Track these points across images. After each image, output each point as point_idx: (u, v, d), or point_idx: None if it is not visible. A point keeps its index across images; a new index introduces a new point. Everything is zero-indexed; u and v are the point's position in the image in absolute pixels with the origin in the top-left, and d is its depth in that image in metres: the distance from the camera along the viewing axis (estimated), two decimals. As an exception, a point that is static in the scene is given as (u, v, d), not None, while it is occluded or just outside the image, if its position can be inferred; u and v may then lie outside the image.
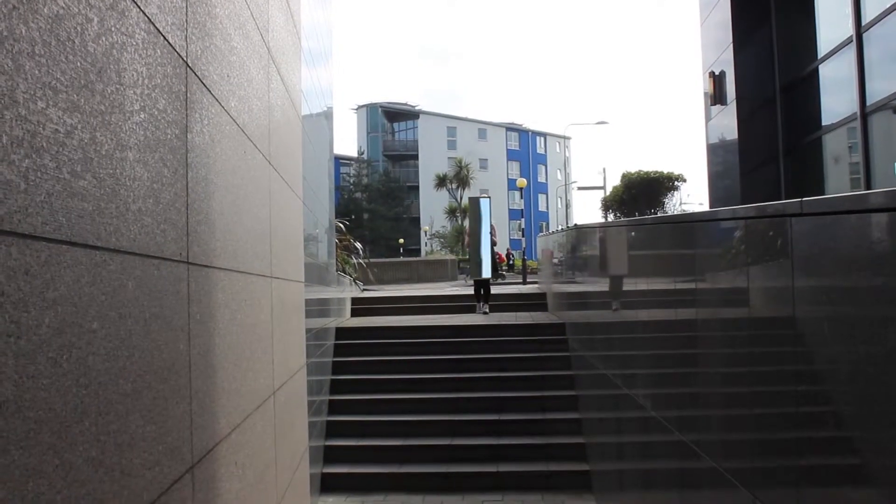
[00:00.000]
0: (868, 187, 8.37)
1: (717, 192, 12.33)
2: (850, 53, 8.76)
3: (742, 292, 2.85)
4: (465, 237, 15.16)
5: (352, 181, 72.59)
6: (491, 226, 13.85)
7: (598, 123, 51.52)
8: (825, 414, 2.13)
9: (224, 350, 2.64)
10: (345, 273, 12.31)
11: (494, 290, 15.91)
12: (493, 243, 13.85)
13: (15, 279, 1.17)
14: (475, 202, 14.01)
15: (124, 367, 1.62)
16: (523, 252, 28.77)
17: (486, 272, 13.38)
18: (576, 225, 10.97)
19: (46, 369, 1.26)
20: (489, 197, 14.98)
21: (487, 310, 12.70)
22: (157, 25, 1.91)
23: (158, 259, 1.88)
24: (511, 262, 32.58)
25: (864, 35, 8.50)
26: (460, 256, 33.70)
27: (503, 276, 22.98)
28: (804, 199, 2.09)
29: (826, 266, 2.05)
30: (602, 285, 6.96)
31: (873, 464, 1.81)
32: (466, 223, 14.75)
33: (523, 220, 38.23)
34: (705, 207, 19.92)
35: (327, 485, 6.90)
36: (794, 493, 2.31)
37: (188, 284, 2.16)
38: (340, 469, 7.14)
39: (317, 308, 6.91)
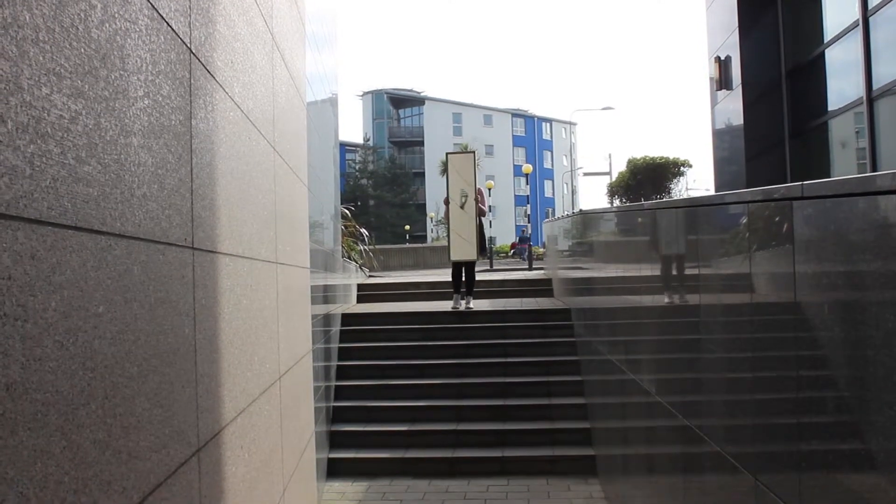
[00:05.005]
0: (874, 171, 8.33)
1: (723, 177, 12.30)
2: (857, 37, 8.70)
3: (744, 277, 2.86)
4: (444, 207, 10.60)
5: (357, 168, 72.66)
6: (477, 189, 10.29)
7: (604, 109, 51.46)
8: (826, 399, 2.14)
9: (229, 335, 2.66)
10: (351, 259, 12.30)
11: (498, 276, 15.79)
12: (481, 213, 10.29)
13: (21, 263, 1.18)
14: (455, 160, 10.43)
15: (130, 350, 1.64)
16: (528, 238, 28.77)
17: (471, 251, 10.02)
18: (581, 210, 10.91)
19: (53, 352, 1.28)
20: (474, 151, 11.36)
21: (472, 304, 10.11)
22: (161, 12, 1.92)
23: (163, 244, 1.90)
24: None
25: (871, 19, 8.44)
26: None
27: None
28: (805, 182, 2.09)
29: (828, 250, 2.06)
30: (607, 271, 6.96)
31: (874, 447, 1.82)
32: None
33: (529, 206, 38.20)
34: (711, 192, 19.87)
35: (333, 470, 6.95)
36: (795, 476, 2.32)
37: (193, 269, 2.18)
38: (346, 454, 7.17)
39: (322, 294, 6.93)
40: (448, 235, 10.25)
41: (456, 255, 10.08)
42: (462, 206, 10.12)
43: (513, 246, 36.52)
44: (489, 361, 8.70)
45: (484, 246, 10.65)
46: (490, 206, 43.92)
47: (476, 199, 10.18)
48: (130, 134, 1.68)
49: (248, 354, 3.00)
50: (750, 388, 2.83)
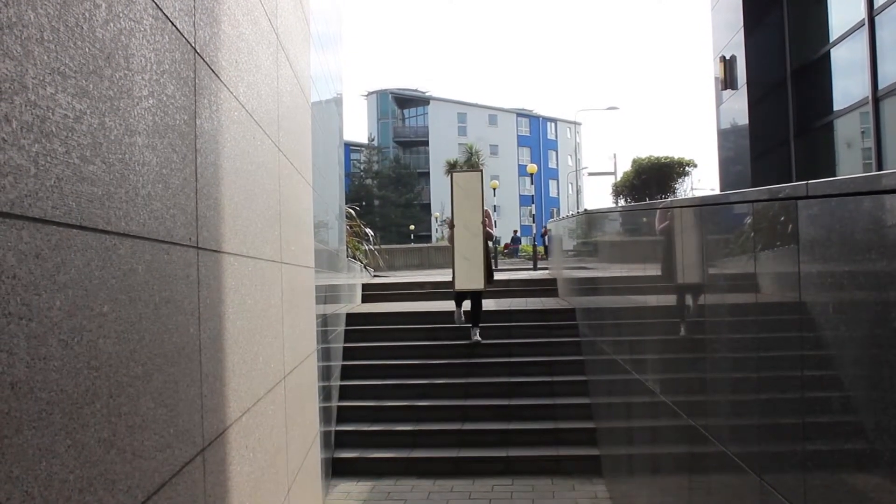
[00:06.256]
0: (880, 171, 8.30)
1: (728, 177, 12.28)
2: (863, 37, 8.68)
3: (749, 277, 2.85)
4: (447, 229, 9.80)
5: (362, 168, 72.79)
6: (485, 212, 9.14)
7: (609, 109, 51.38)
8: (832, 398, 2.13)
9: (234, 334, 2.66)
10: (355, 259, 12.30)
11: (503, 276, 15.75)
12: (489, 237, 9.21)
13: (26, 262, 1.18)
14: (461, 180, 9.25)
15: (135, 350, 1.64)
16: (533, 238, 28.79)
17: (478, 279, 8.87)
18: (585, 210, 10.88)
19: (58, 351, 1.28)
20: (481, 171, 9.75)
21: (478, 336, 8.98)
22: (165, 11, 1.92)
23: (168, 243, 1.90)
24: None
25: (877, 18, 8.42)
26: None
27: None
28: (810, 181, 2.09)
29: (833, 249, 2.05)
30: (611, 271, 6.95)
31: (879, 447, 1.82)
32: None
33: (534, 206, 38.25)
34: (716, 192, 19.83)
35: (338, 469, 6.95)
36: (800, 476, 2.31)
37: (198, 269, 2.18)
38: (351, 454, 7.18)
39: (327, 294, 6.93)
40: (453, 261, 9.12)
41: (461, 284, 8.94)
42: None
43: (506, 246, 38.96)
44: (494, 361, 8.69)
45: (491, 273, 9.38)
46: (495, 206, 44.00)
47: (483, 223, 9.04)
48: (135, 133, 1.68)
49: (253, 354, 3.00)
50: (755, 388, 2.82)
